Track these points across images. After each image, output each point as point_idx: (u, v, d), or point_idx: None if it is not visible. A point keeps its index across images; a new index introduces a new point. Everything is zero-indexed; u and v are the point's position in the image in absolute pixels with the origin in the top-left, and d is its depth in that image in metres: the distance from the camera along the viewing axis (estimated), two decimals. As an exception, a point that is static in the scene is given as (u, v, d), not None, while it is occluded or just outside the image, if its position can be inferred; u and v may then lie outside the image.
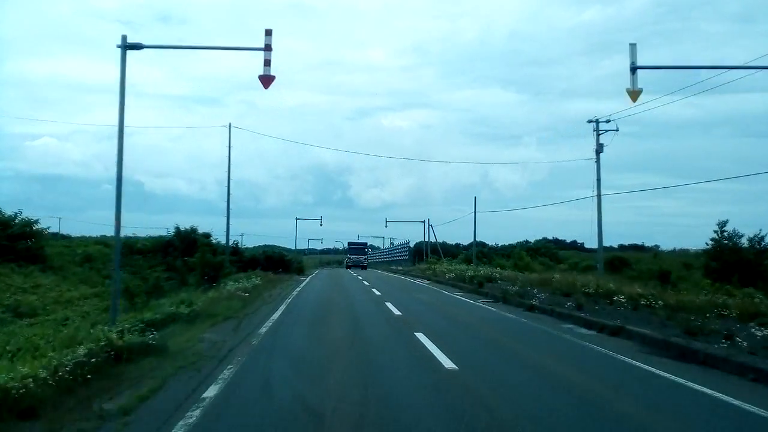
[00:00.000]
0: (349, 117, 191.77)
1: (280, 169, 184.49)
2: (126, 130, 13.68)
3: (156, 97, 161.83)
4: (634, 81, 14.60)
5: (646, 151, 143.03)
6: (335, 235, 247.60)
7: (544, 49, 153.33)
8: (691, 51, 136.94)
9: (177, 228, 42.22)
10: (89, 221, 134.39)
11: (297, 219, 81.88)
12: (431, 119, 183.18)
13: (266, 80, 13.40)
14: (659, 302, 16.70)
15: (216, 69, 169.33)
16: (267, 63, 13.50)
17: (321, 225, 70.11)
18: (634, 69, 14.63)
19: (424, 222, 73.56)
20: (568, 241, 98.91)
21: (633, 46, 14.64)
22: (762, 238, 33.65)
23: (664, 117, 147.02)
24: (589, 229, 34.41)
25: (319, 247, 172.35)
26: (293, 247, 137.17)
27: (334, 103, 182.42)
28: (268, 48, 13.51)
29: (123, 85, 13.54)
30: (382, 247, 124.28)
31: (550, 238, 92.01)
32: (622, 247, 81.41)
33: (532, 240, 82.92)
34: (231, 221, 38.53)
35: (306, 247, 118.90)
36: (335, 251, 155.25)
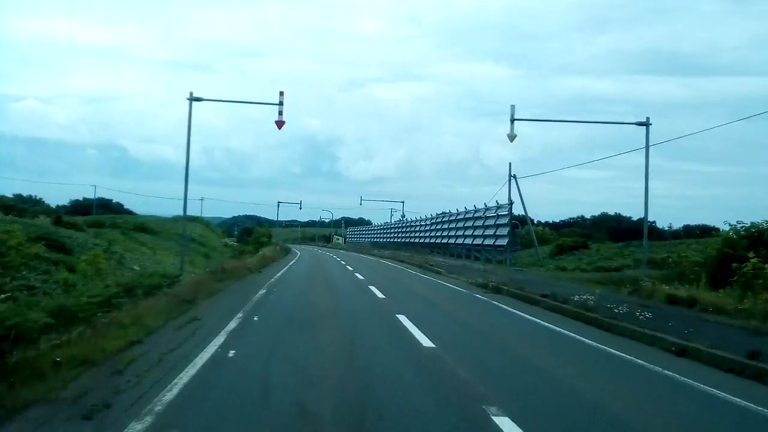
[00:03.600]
0: (341, 87, 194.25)
1: (270, 137, 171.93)
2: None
3: (144, 61, 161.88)
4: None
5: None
6: (319, 206, 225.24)
7: (539, 23, 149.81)
8: (687, 30, 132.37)
9: None
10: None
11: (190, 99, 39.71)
12: (424, 92, 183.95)
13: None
14: None
15: (206, 34, 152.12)
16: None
17: (279, 124, 33.68)
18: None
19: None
20: (634, 218, 77.15)
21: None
22: None
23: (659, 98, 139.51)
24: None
25: (302, 218, 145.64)
26: (277, 218, 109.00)
27: (325, 73, 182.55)
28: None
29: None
30: (375, 222, 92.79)
31: (611, 213, 74.93)
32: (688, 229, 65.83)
33: (588, 216, 69.92)
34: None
35: (275, 218, 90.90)
36: (321, 224, 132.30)
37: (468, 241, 40.44)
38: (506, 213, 32.87)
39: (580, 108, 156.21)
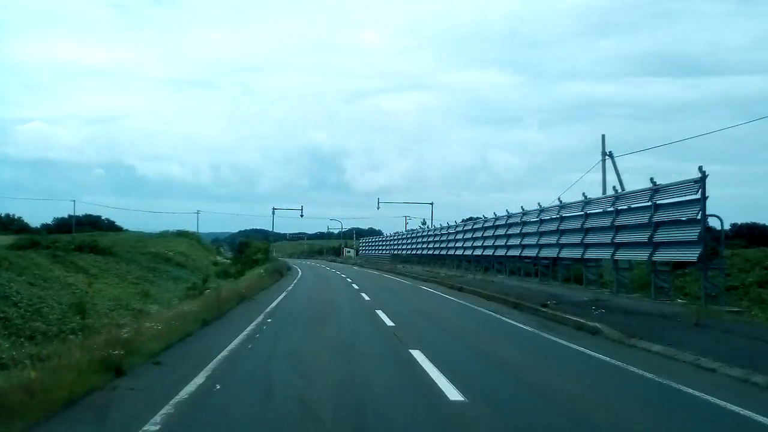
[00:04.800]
0: (345, 99, 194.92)
1: (276, 151, 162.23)
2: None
3: (147, 80, 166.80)
4: None
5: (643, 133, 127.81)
6: (329, 219, 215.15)
7: (540, 30, 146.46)
8: (689, 32, 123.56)
9: None
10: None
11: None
12: (429, 101, 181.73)
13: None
14: None
15: (209, 51, 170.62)
16: None
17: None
18: None
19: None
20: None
21: None
22: None
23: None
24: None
25: (310, 230, 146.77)
26: (273, 228, 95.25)
27: (328, 86, 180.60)
28: None
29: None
30: (387, 233, 77.81)
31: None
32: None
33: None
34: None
35: (282, 231, 77.27)
36: (329, 235, 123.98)
37: (571, 253, 24.41)
38: (694, 197, 16.19)
39: (586, 112, 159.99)
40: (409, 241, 60.93)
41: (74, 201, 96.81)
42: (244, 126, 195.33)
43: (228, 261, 72.02)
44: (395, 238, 68.70)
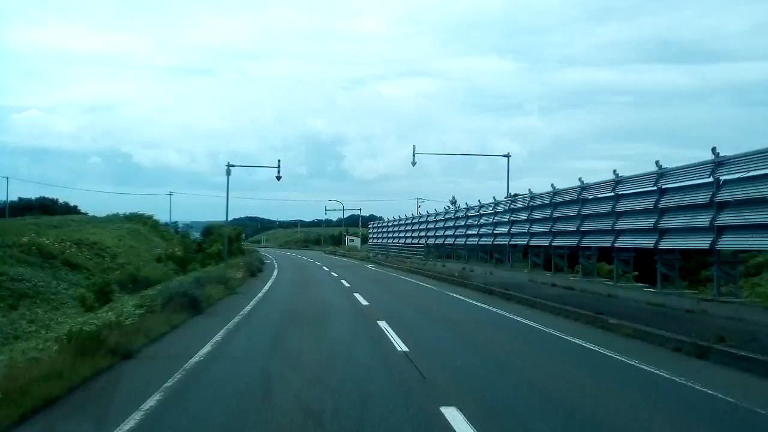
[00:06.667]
0: (344, 86, 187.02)
1: (274, 138, 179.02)
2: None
3: (145, 67, 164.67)
4: None
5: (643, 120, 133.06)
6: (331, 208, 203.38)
7: (540, 16, 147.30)
8: (689, 18, 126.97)
9: None
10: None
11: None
12: (428, 88, 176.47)
13: None
14: None
15: (206, 38, 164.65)
16: None
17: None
18: None
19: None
20: None
21: None
22: None
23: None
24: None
25: (306, 217, 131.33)
26: (275, 219, 74.56)
27: (327, 73, 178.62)
28: None
29: None
30: (387, 218, 56.12)
31: None
32: None
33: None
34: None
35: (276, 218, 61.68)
36: (328, 223, 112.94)
37: None
38: None
39: (585, 99, 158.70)
40: (463, 221, 36.97)
41: (7, 178, 74.58)
42: (242, 113, 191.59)
43: (179, 252, 47.84)
44: (431, 220, 44.48)
